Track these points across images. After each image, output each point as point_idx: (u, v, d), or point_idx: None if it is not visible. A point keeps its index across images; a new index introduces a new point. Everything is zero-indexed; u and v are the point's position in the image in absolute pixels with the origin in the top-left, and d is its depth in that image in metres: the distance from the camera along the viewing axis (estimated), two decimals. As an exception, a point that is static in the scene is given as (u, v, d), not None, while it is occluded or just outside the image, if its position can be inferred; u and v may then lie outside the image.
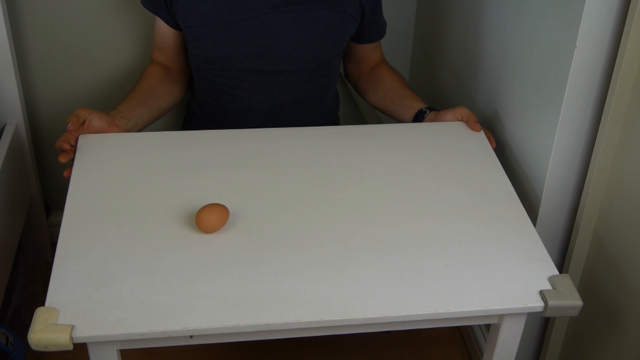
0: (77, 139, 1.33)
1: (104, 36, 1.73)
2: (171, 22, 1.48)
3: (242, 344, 1.72)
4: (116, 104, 1.44)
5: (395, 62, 1.90)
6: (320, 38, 1.47)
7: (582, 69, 1.17)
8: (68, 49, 1.72)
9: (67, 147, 1.30)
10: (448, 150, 1.36)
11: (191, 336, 1.00)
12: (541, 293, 1.04)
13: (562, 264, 1.38)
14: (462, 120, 1.45)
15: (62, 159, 1.30)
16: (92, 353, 1.00)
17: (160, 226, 1.14)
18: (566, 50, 1.17)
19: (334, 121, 1.67)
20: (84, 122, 1.35)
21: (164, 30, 1.51)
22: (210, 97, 1.54)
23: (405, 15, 1.87)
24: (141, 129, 1.46)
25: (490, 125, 1.49)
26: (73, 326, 0.94)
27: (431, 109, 1.50)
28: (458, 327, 1.81)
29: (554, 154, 1.25)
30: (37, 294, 1.77)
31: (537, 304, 1.03)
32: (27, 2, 1.65)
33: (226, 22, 1.41)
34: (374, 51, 1.63)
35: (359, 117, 1.98)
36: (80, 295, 1.00)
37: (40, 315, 0.96)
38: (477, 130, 1.41)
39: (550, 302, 1.03)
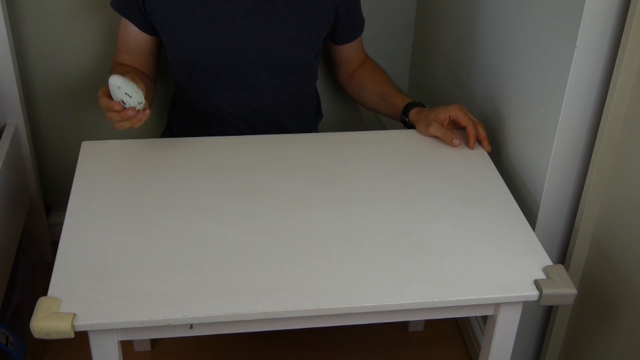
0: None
1: (104, 36, 1.74)
2: (143, 26, 1.48)
3: (243, 345, 1.73)
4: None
5: (395, 62, 1.92)
6: (292, 42, 1.48)
7: (582, 69, 1.17)
8: (68, 48, 1.73)
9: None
10: (443, 154, 1.38)
11: (191, 326, 1.01)
12: (536, 282, 1.06)
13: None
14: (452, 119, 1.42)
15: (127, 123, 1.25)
16: (93, 343, 1.01)
17: (160, 223, 1.16)
18: (566, 50, 1.17)
19: (312, 130, 1.68)
20: None
21: (135, 35, 1.50)
22: (189, 102, 1.56)
23: (405, 15, 1.88)
24: None
25: (490, 126, 1.49)
26: (75, 314, 0.96)
27: (411, 106, 1.48)
28: (458, 327, 1.82)
29: (553, 155, 1.25)
30: (37, 294, 1.77)
31: (532, 292, 1.05)
32: (27, 2, 1.66)
33: (200, 26, 1.42)
34: (354, 51, 1.63)
35: (360, 118, 1.99)
36: (82, 286, 1.02)
37: (42, 304, 0.97)
38: (455, 146, 1.39)
39: (545, 291, 1.04)
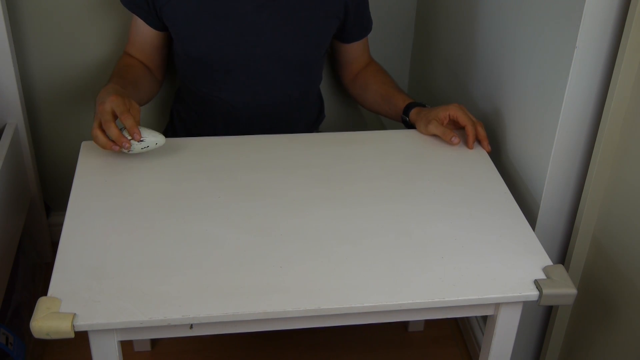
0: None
1: (105, 36, 1.74)
2: (151, 21, 1.48)
3: (243, 345, 1.73)
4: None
5: (395, 62, 1.92)
6: (303, 39, 1.48)
7: (582, 69, 1.17)
8: (68, 48, 1.73)
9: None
10: (443, 154, 1.38)
11: (191, 326, 1.01)
12: (536, 282, 1.06)
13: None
14: (452, 118, 1.42)
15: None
16: (93, 343, 1.01)
17: (160, 223, 1.16)
18: (566, 50, 1.18)
19: (314, 130, 1.69)
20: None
21: (143, 30, 1.51)
22: (195, 98, 1.56)
23: (405, 15, 1.88)
24: None
25: (490, 126, 1.49)
26: (75, 314, 0.96)
27: (412, 106, 1.49)
28: (458, 327, 1.82)
29: (553, 155, 1.25)
30: (37, 294, 1.77)
31: (532, 292, 1.05)
32: (27, 2, 1.66)
33: (210, 21, 1.43)
34: (359, 52, 1.64)
35: (360, 118, 1.99)
36: (82, 286, 1.02)
37: (42, 304, 0.97)
38: (454, 144, 1.39)
39: (545, 291, 1.04)
